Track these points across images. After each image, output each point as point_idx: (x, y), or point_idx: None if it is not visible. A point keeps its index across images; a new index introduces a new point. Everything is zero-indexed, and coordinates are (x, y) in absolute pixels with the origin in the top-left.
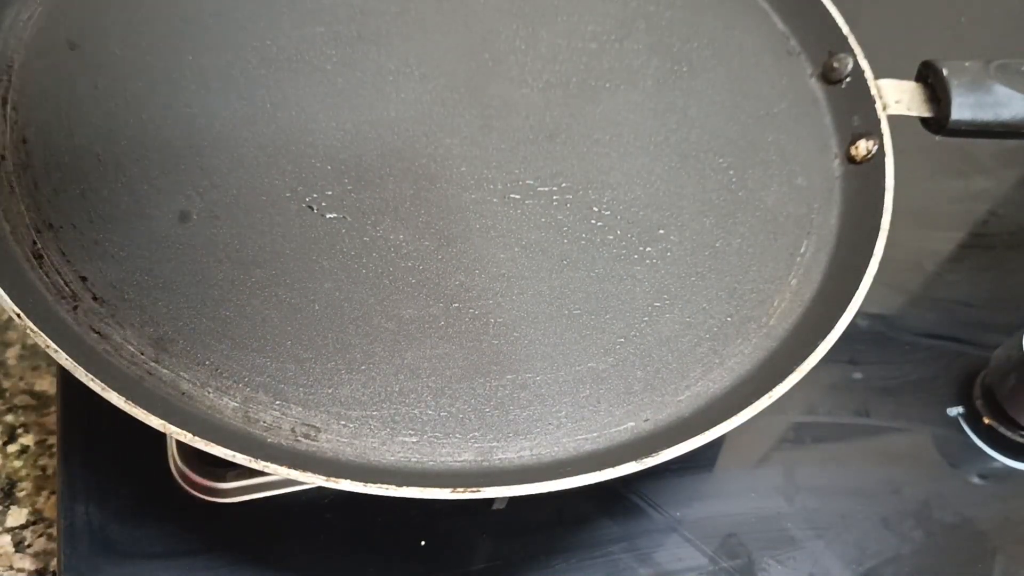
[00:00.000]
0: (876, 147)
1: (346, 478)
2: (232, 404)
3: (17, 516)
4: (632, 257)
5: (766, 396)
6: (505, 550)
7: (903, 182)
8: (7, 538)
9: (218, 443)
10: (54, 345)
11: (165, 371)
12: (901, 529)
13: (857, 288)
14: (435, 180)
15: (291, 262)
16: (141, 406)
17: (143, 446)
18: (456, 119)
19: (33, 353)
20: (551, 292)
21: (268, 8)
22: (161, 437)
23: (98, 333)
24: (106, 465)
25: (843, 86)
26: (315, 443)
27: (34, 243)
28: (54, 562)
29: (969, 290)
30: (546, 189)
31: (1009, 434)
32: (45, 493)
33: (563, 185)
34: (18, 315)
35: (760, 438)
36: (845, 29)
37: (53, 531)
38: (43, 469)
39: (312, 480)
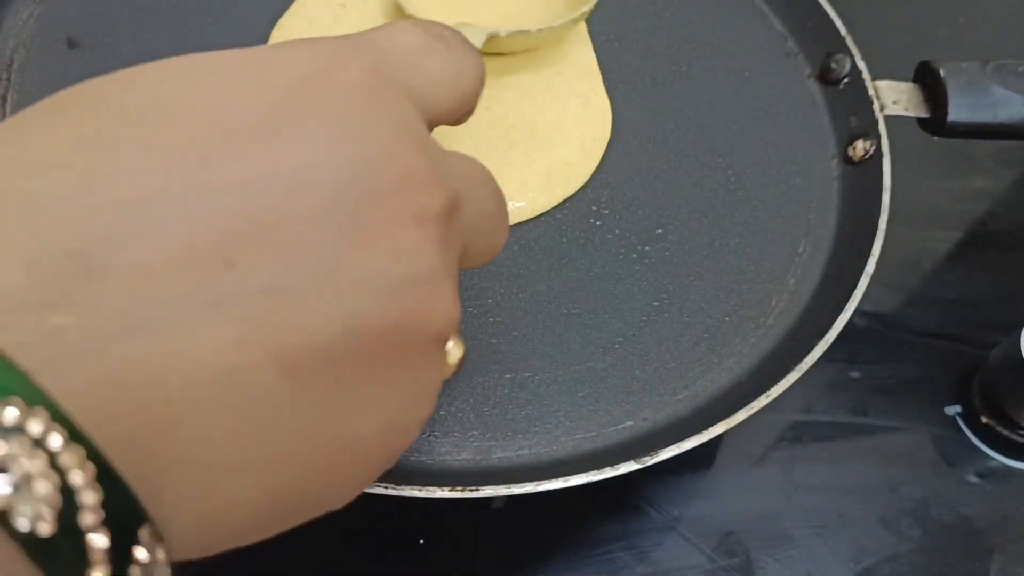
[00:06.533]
0: (873, 147)
1: None
2: None
3: None
4: (630, 256)
5: (764, 395)
6: (503, 548)
7: (901, 182)
8: None
9: None
10: None
11: None
12: (899, 527)
13: (855, 287)
14: None
15: None
16: None
17: None
18: None
19: None
20: (549, 291)
21: (268, 7)
22: None
23: None
24: None
25: (841, 87)
26: None
27: None
28: None
29: (967, 289)
30: None
31: (1007, 433)
32: None
33: None
34: None
35: (758, 437)
36: (843, 30)
37: None
38: None
39: None
